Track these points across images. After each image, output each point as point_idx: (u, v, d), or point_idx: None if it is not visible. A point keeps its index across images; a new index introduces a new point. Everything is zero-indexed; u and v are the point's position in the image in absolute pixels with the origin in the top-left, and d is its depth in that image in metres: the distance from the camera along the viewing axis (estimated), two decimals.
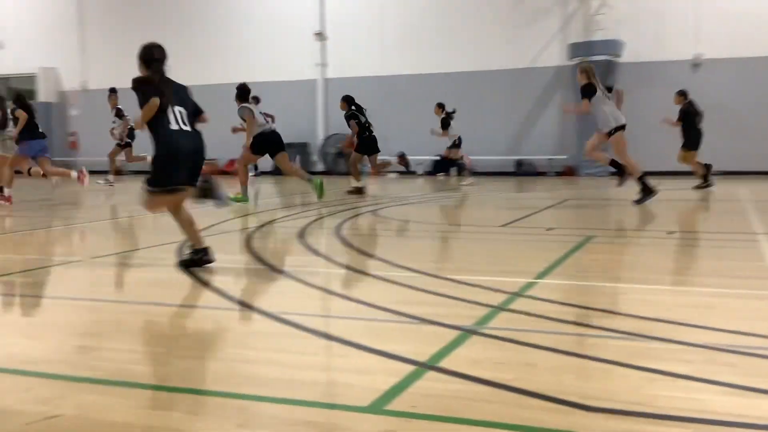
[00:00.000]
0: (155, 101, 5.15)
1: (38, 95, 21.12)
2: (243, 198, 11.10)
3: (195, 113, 5.56)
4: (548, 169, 18.69)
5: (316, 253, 6.32)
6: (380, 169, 14.63)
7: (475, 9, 18.72)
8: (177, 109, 5.33)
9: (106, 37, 20.81)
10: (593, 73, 10.04)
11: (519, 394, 2.65)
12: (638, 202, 10.01)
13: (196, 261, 5.41)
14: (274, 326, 3.76)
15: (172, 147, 5.22)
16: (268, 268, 5.55)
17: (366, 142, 13.06)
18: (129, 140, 15.49)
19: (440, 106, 15.86)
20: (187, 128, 5.33)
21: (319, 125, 19.95)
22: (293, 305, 4.27)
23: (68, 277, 5.61)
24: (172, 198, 5.39)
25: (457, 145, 15.75)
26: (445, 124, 15.65)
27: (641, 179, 10.03)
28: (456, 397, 2.66)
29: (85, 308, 4.51)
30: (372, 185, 15.51)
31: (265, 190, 14.95)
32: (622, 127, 10.05)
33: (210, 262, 5.40)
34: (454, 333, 3.51)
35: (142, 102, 5.21)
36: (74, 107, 21.36)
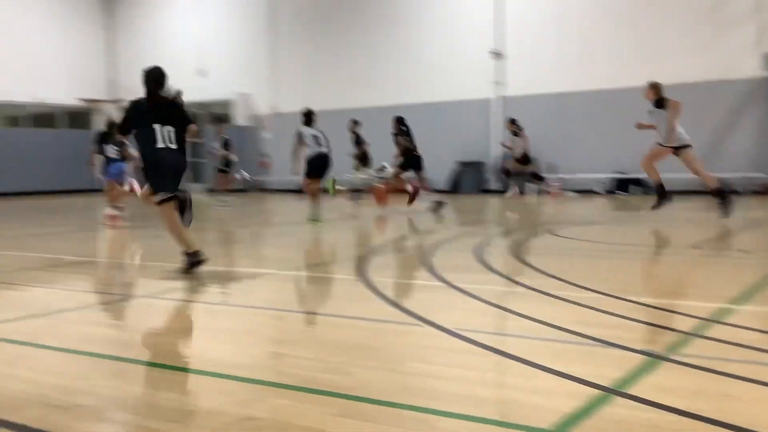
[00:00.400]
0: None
1: (235, 119, 22.77)
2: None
3: (183, 129, 6.37)
4: (743, 187, 17.37)
5: (493, 270, 6.31)
6: (425, 186, 14.86)
7: (661, 21, 17.89)
8: (166, 128, 6.24)
9: (295, 64, 22.06)
10: None
11: (718, 427, 2.49)
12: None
13: (193, 264, 6.16)
14: (452, 342, 3.80)
15: (158, 162, 6.17)
16: (445, 284, 5.61)
17: (413, 159, 14.07)
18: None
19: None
20: (173, 146, 6.23)
21: (492, 144, 19.90)
22: (471, 322, 4.29)
23: (259, 287, 5.98)
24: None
25: None
26: None
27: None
28: (649, 426, 2.54)
29: (273, 317, 4.80)
30: (549, 205, 15.21)
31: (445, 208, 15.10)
32: None
33: (203, 261, 6.19)
34: (641, 358, 3.36)
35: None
36: (267, 130, 22.79)
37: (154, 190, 6.26)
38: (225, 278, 6.41)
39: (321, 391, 3.00)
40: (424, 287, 5.67)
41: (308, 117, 12.16)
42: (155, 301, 5.42)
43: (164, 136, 6.24)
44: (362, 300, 5.05)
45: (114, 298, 5.67)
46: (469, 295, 5.10)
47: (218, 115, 23.72)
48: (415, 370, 3.34)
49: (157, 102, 6.41)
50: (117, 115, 25.28)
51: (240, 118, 22.83)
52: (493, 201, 16.96)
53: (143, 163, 6.36)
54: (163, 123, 6.27)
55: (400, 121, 14.51)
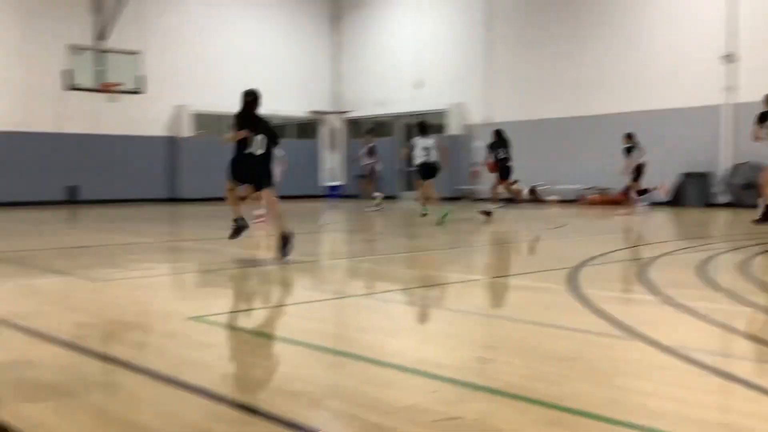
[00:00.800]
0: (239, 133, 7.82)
1: (448, 129, 23.18)
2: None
3: (271, 139, 7.90)
4: None
5: (717, 288, 5.87)
6: (515, 195, 15.64)
7: None
8: (259, 137, 7.78)
9: (510, 73, 22.00)
10: None
11: None
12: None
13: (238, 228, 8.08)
14: (668, 359, 3.60)
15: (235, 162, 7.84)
16: (662, 299, 5.32)
17: (504, 168, 14.81)
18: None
19: None
20: (261, 151, 7.78)
21: (722, 153, 18.47)
22: (690, 340, 4.03)
23: (468, 293, 6.05)
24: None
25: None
26: None
27: None
28: None
29: (482, 323, 4.83)
30: None
31: (660, 220, 14.30)
32: None
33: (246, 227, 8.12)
34: None
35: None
36: (478, 139, 22.95)
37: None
38: (435, 283, 6.56)
39: (528, 398, 2.98)
40: (639, 301, 5.41)
41: (423, 128, 13.87)
42: (369, 300, 5.67)
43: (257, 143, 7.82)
44: (573, 311, 4.92)
45: (332, 296, 6.01)
46: (690, 311, 4.79)
47: (371, 126, 24.30)
48: (627, 385, 3.21)
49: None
50: (338, 126, 26.72)
51: (454, 128, 23.18)
52: (722, 215, 15.75)
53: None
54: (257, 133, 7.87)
55: (498, 133, 15.02)
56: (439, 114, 23.68)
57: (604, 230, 12.77)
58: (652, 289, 5.76)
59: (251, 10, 24.97)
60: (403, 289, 6.05)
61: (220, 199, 18.84)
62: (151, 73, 20.38)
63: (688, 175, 18.57)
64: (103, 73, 17.75)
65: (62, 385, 3.27)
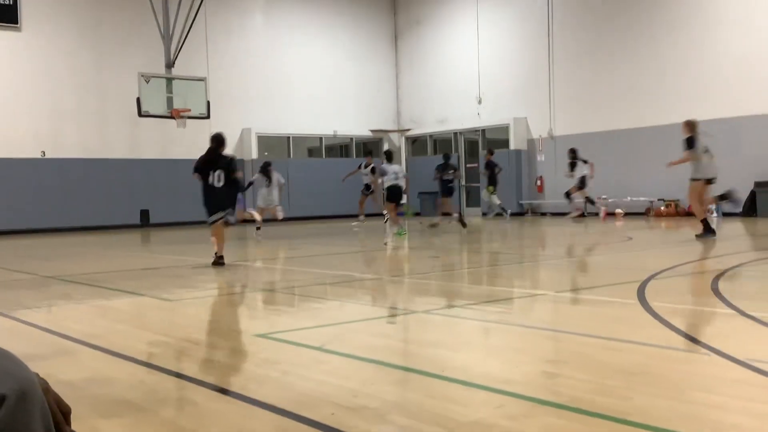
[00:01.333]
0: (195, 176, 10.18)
1: (510, 143, 23.04)
2: None
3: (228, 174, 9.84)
4: None
5: None
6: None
7: None
8: (217, 172, 9.83)
9: (570, 87, 21.72)
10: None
11: None
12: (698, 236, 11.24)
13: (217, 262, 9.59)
14: (742, 373, 3.49)
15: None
16: (736, 312, 5.16)
17: (448, 189, 17.78)
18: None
19: None
20: (220, 183, 9.82)
21: None
22: (764, 353, 3.90)
23: (534, 308, 5.99)
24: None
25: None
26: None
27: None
28: None
29: (548, 337, 4.77)
30: None
31: (732, 231, 13.86)
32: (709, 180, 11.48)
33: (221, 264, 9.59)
34: None
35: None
36: (541, 153, 22.73)
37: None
38: (501, 297, 6.52)
39: (596, 413, 2.93)
40: (711, 314, 5.26)
41: (389, 156, 15.77)
42: (434, 316, 5.67)
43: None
44: (642, 324, 4.82)
45: (396, 312, 6.04)
46: (763, 324, 4.64)
47: (368, 148, 24.37)
48: (698, 399, 3.13)
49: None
50: (396, 145, 26.83)
51: (516, 143, 23.01)
52: None
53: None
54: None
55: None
56: (501, 129, 23.57)
57: (673, 242, 12.46)
58: (723, 301, 5.60)
59: (314, 32, 25.41)
60: (468, 305, 6.03)
61: (285, 220, 19.11)
62: (218, 98, 20.94)
63: (761, 185, 17.96)
64: (172, 100, 18.32)
65: (136, 401, 3.39)
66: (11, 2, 19.94)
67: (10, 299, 7.21)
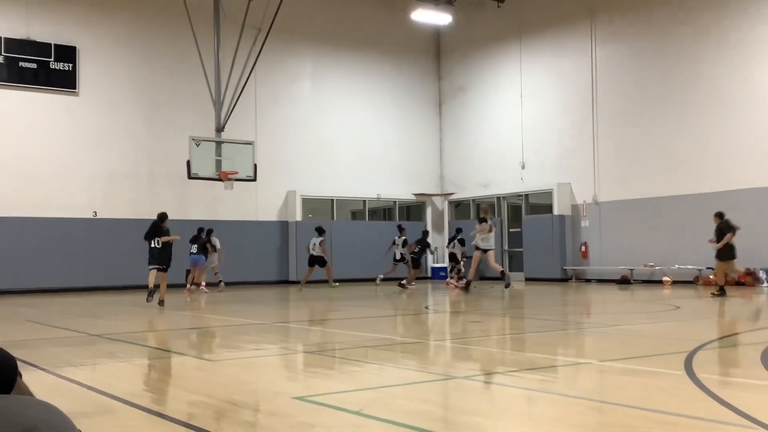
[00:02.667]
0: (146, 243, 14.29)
1: (554, 208, 22.91)
2: None
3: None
4: None
5: None
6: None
7: None
8: (156, 239, 14.06)
9: (614, 154, 21.61)
10: None
11: None
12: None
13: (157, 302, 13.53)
14: None
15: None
16: None
17: (416, 260, 20.68)
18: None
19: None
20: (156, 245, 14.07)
21: None
22: None
23: (577, 377, 5.87)
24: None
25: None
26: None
27: None
28: None
29: (591, 407, 4.66)
30: None
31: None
32: None
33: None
34: None
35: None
36: (585, 219, 22.55)
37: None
38: (544, 365, 6.41)
39: None
40: (760, 387, 5.09)
41: (320, 231, 20.31)
42: (474, 382, 5.60)
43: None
44: (689, 397, 4.69)
45: (436, 377, 5.97)
46: None
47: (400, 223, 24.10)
48: None
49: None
50: (442, 209, 26.89)
51: (559, 208, 22.88)
52: None
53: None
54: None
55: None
56: (545, 194, 23.50)
57: (721, 312, 12.14)
58: None
59: (359, 98, 25.95)
60: (510, 371, 5.94)
61: (323, 282, 19.14)
62: (264, 161, 21.38)
63: None
64: (220, 162, 18.78)
65: None
66: (70, 68, 20.86)
67: (57, 356, 7.34)
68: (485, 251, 17.58)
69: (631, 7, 21.37)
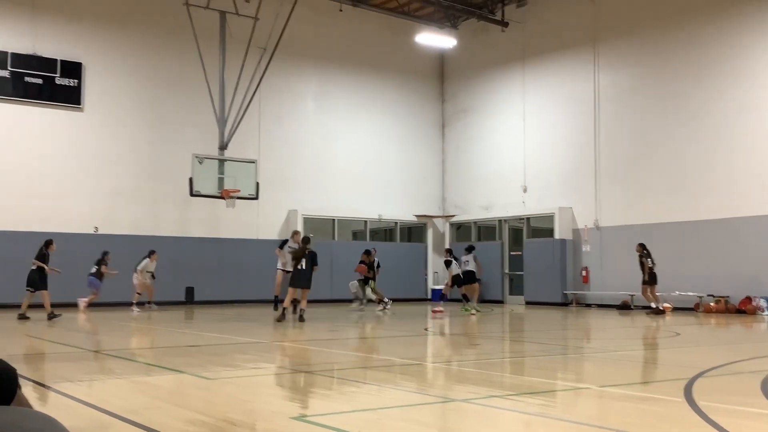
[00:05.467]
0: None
1: (555, 232, 22.90)
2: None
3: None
4: None
5: None
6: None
7: None
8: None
9: (616, 178, 21.62)
10: None
11: None
12: None
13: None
14: None
15: None
16: None
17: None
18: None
19: None
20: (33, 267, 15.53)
21: None
22: None
23: (576, 402, 5.84)
24: None
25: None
26: None
27: None
28: None
29: None
30: None
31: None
32: None
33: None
34: None
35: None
36: (586, 243, 22.53)
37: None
38: (543, 389, 6.38)
39: None
40: (759, 415, 5.06)
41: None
42: (473, 405, 5.57)
43: None
44: (688, 424, 4.66)
45: (434, 399, 5.94)
46: None
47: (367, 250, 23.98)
48: None
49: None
50: (440, 230, 26.85)
51: (560, 232, 22.86)
52: None
53: None
54: None
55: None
56: (546, 218, 23.50)
57: (722, 340, 12.10)
58: None
59: (362, 118, 26.06)
60: (509, 395, 5.91)
61: (334, 301, 19.11)
62: (267, 179, 21.43)
63: None
64: (223, 180, 18.81)
65: None
66: (75, 84, 20.97)
67: (54, 372, 7.32)
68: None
69: (635, 32, 21.51)
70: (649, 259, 17.82)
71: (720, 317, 17.01)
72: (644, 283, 17.88)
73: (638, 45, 21.41)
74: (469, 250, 19.26)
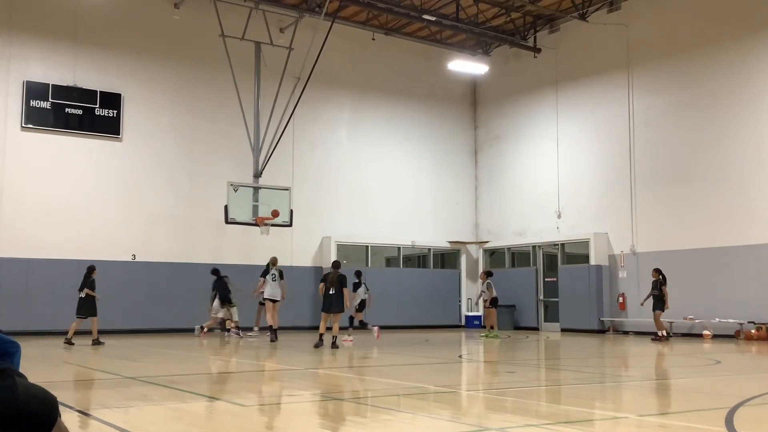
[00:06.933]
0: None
1: (591, 258, 22.64)
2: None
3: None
4: None
5: None
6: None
7: None
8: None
9: (654, 205, 21.33)
10: None
11: None
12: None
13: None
14: None
15: None
16: None
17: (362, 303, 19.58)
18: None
19: None
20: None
21: None
22: None
23: (614, 431, 5.74)
24: None
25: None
26: None
27: None
28: None
29: None
30: None
31: None
32: None
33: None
34: None
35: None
36: (623, 269, 22.23)
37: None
38: (580, 419, 6.28)
39: None
40: None
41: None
42: None
43: None
44: None
45: (469, 428, 5.89)
46: None
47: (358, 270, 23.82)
48: None
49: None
50: (477, 256, 26.72)
51: (596, 258, 22.59)
52: None
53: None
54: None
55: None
56: (581, 243, 23.26)
57: (764, 368, 11.81)
58: None
59: (395, 145, 26.16)
60: (545, 424, 5.83)
61: (360, 328, 19.12)
62: (300, 206, 21.58)
63: None
64: (257, 208, 19.01)
65: None
66: (114, 115, 21.42)
67: (91, 398, 7.41)
68: None
69: (669, 57, 21.35)
70: (660, 285, 18.43)
71: (761, 344, 16.62)
72: (655, 308, 18.34)
73: (673, 69, 21.23)
74: (487, 275, 19.86)
